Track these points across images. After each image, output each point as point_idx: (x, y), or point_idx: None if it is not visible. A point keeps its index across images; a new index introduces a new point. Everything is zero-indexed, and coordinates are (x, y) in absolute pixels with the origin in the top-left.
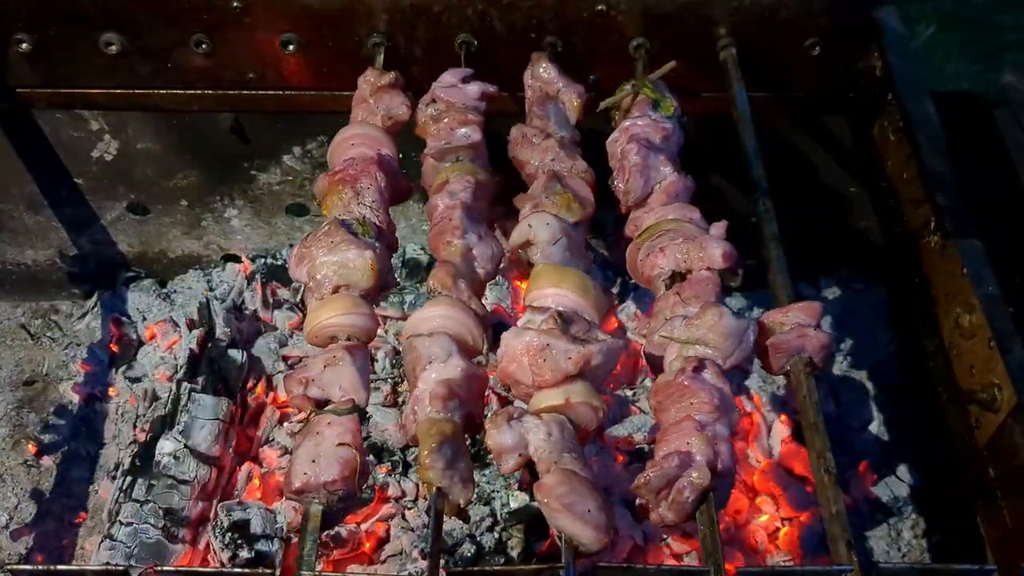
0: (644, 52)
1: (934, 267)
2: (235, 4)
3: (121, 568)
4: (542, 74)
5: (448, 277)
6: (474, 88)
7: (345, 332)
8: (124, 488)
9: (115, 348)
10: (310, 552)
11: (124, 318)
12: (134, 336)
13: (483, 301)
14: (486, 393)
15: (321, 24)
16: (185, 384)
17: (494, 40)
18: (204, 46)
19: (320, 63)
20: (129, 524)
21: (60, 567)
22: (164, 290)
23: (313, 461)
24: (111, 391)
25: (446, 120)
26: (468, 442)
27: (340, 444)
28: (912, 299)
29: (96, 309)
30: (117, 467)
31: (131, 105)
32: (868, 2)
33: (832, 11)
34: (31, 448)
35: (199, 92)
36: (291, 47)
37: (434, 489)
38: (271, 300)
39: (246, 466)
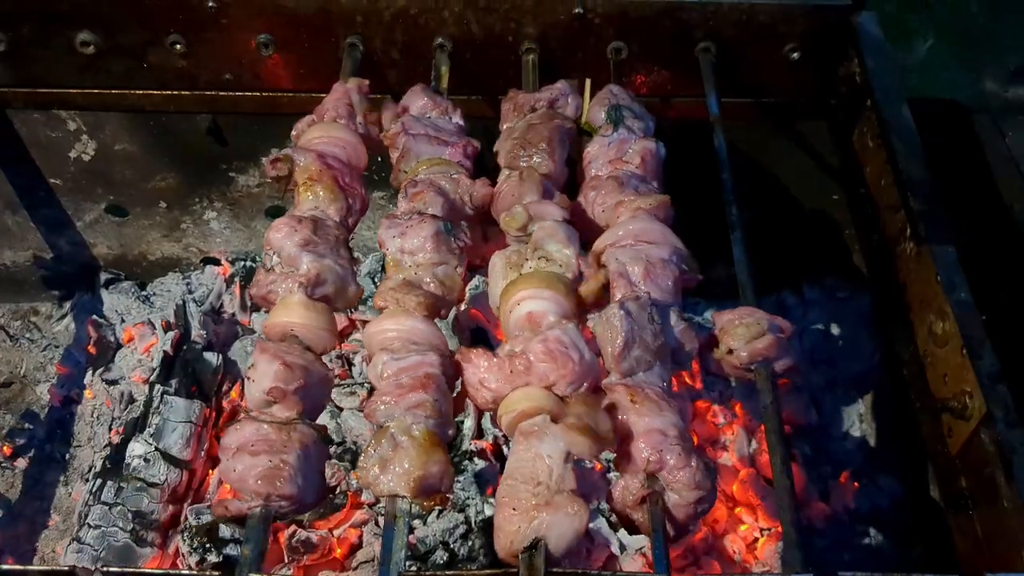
0: (622, 56)
1: (910, 274)
2: (210, 4)
3: (66, 569)
4: None
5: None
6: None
7: None
8: (94, 491)
9: (92, 350)
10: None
11: (102, 320)
12: (112, 338)
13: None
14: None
15: (297, 25)
16: (158, 386)
17: (472, 43)
18: (180, 46)
19: (297, 64)
20: (97, 527)
21: (2, 567)
22: (143, 292)
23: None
24: (87, 393)
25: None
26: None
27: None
28: (892, 307)
29: (75, 311)
30: (90, 470)
31: (108, 105)
32: (846, 8)
33: (810, 16)
34: (5, 450)
35: (176, 93)
36: (267, 48)
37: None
38: (249, 303)
39: (219, 469)
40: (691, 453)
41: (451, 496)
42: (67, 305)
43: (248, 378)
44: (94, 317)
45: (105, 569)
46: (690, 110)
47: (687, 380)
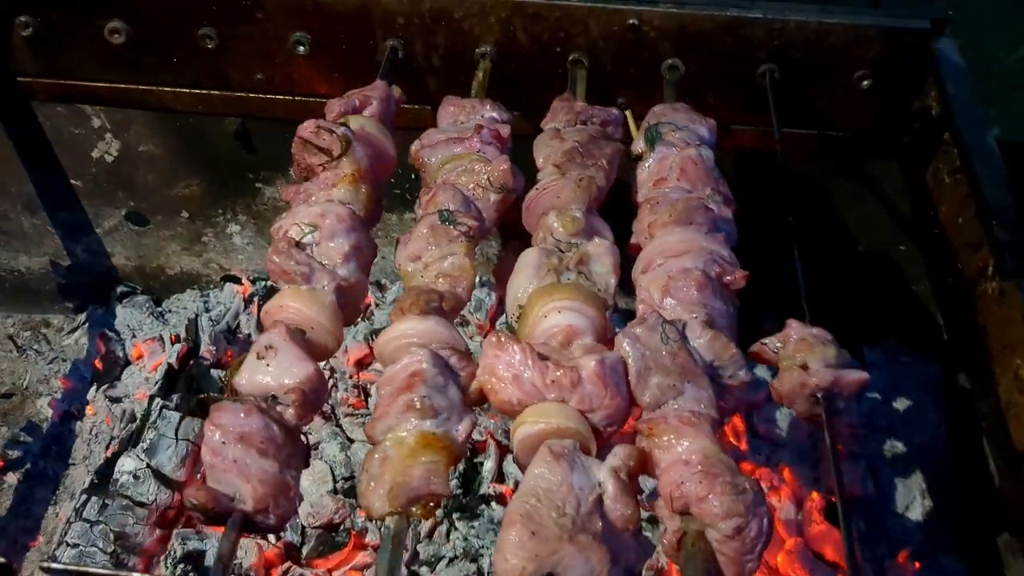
0: (678, 74)
1: (991, 316)
2: None
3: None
4: None
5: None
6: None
7: None
8: (77, 507)
9: (99, 365)
10: None
11: (113, 334)
12: (121, 354)
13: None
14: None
15: (335, 23)
16: (157, 400)
17: (517, 52)
18: (211, 41)
19: (332, 67)
20: (75, 546)
21: None
22: (158, 308)
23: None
24: (89, 410)
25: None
26: (460, 491)
27: None
28: (966, 364)
29: (87, 324)
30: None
31: (134, 102)
32: (925, 32)
33: (885, 39)
34: None
35: (205, 92)
36: (302, 48)
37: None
38: None
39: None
40: (716, 477)
41: (442, 497)
42: (80, 318)
43: (261, 358)
44: (104, 331)
45: (47, 567)
46: (747, 138)
47: (731, 440)
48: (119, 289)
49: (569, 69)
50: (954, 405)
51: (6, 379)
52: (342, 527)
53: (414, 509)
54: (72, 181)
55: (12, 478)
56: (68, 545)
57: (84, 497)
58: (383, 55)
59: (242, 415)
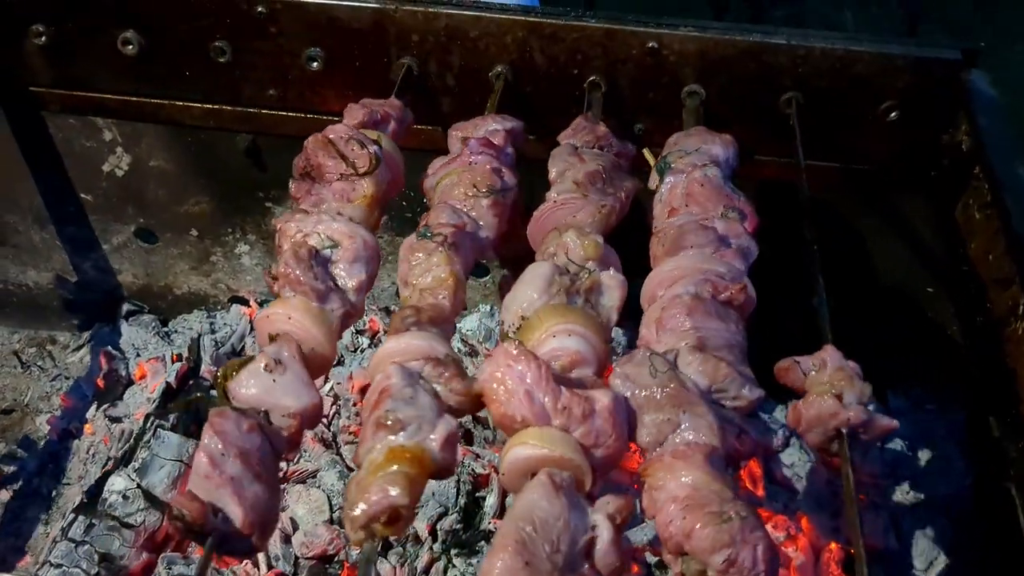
0: (698, 100)
1: (1021, 358)
2: (260, 9)
3: None
4: None
5: None
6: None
7: None
8: (64, 526)
9: (101, 383)
10: None
11: (117, 353)
12: (124, 373)
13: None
14: None
15: (349, 40)
16: (152, 418)
17: (533, 74)
18: (224, 55)
19: (344, 84)
20: (59, 566)
21: None
22: (164, 328)
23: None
24: (87, 428)
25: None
26: (460, 526)
27: None
28: (995, 408)
29: (92, 343)
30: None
31: (146, 115)
32: (956, 63)
33: (915, 69)
34: None
35: (216, 107)
36: (315, 64)
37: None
38: None
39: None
40: (700, 508)
41: (403, 507)
42: (85, 335)
43: (268, 371)
44: (108, 349)
45: None
46: (769, 169)
47: (747, 486)
48: (125, 308)
49: (586, 92)
50: (982, 452)
51: (8, 395)
52: (336, 559)
53: (376, 527)
54: (82, 195)
55: (5, 495)
56: (52, 565)
57: (72, 516)
58: (397, 74)
59: (245, 429)
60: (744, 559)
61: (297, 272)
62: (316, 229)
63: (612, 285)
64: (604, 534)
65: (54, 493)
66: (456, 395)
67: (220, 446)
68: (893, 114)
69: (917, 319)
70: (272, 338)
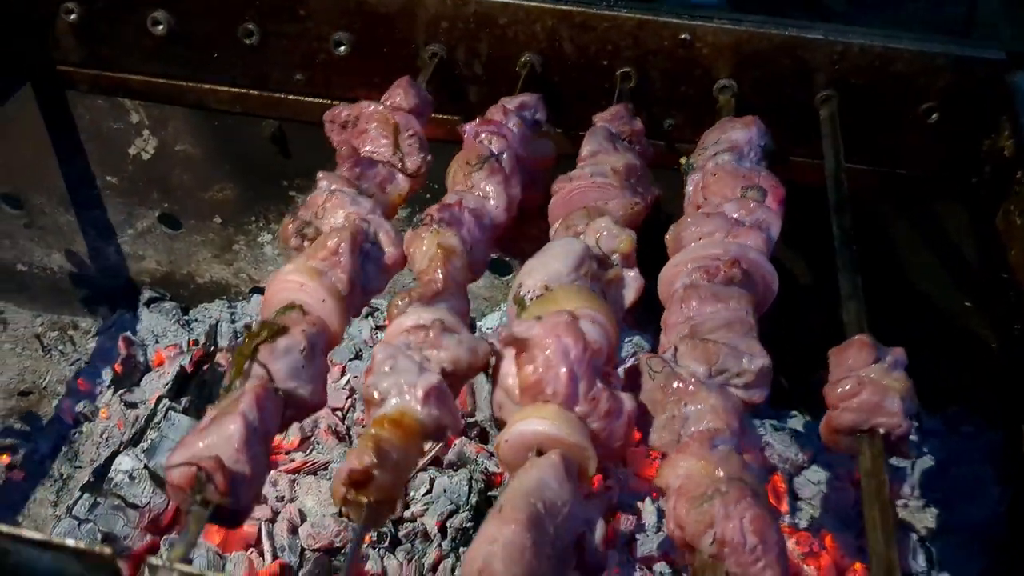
0: (730, 95)
1: None
2: None
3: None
4: None
5: None
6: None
7: None
8: (70, 504)
9: (119, 369)
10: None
11: (136, 339)
12: (142, 359)
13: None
14: None
15: (377, 24)
16: (165, 400)
17: (562, 63)
18: (253, 37)
19: (371, 71)
20: None
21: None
22: (185, 317)
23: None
24: (102, 412)
25: None
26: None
27: None
28: None
29: (112, 329)
30: None
31: (173, 98)
32: (1000, 63)
33: (957, 69)
34: (3, 458)
35: (243, 91)
36: (342, 48)
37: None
38: None
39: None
40: (686, 494)
41: (365, 470)
42: (105, 321)
43: (302, 353)
44: (127, 335)
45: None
46: (800, 172)
47: (772, 501)
48: (147, 295)
49: (617, 83)
50: (1019, 476)
51: (27, 377)
52: (342, 552)
53: (351, 494)
54: (108, 178)
55: (16, 475)
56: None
57: (78, 494)
58: (424, 61)
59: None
60: (732, 535)
61: (347, 259)
62: (363, 215)
63: (631, 286)
64: (597, 531)
65: (65, 475)
66: (446, 353)
67: (256, 417)
68: (933, 116)
69: (951, 331)
70: (290, 307)
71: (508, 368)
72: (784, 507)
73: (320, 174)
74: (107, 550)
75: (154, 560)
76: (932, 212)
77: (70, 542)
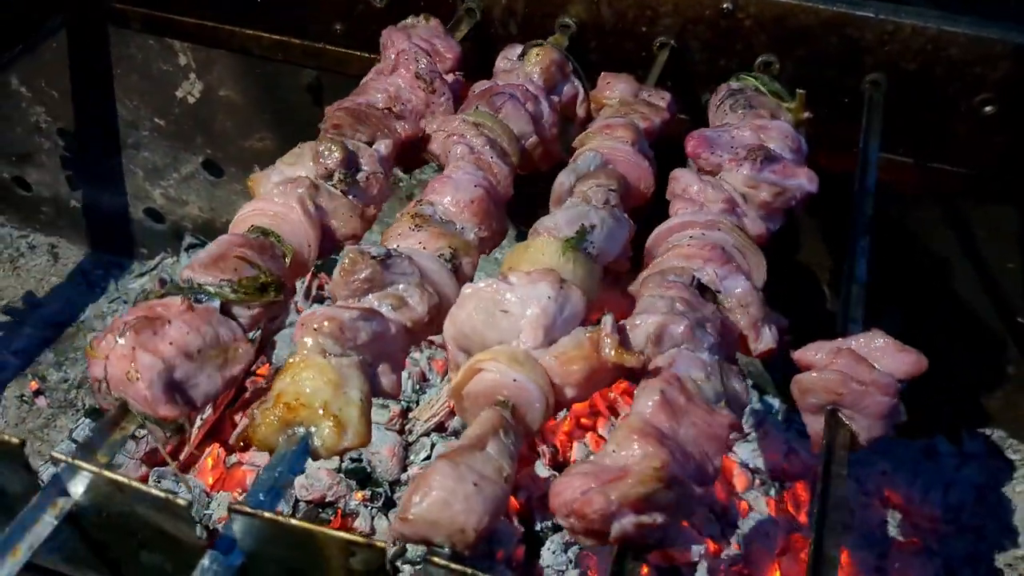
0: (772, 71)
1: None
2: None
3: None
4: None
5: None
6: None
7: None
8: (72, 427)
9: None
10: None
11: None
12: None
13: None
14: None
15: None
16: None
17: (599, 28)
18: None
19: None
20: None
21: None
22: None
23: None
24: None
25: None
26: None
27: None
28: None
29: (154, 272)
30: None
31: (219, 41)
32: None
33: (1017, 57)
34: (32, 384)
35: (285, 39)
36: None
37: None
38: (314, 292)
39: (213, 447)
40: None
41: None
42: (149, 264)
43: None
44: (165, 277)
45: None
46: (838, 160)
47: (790, 509)
48: (188, 240)
49: (655, 53)
50: None
51: (68, 310)
52: (334, 506)
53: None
54: (156, 120)
55: (42, 402)
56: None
57: (83, 420)
58: (461, 17)
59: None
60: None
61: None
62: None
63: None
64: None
65: (88, 406)
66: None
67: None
68: (988, 108)
69: (997, 349)
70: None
71: None
72: (803, 517)
73: None
74: (15, 440)
75: (57, 454)
76: (981, 214)
77: None
